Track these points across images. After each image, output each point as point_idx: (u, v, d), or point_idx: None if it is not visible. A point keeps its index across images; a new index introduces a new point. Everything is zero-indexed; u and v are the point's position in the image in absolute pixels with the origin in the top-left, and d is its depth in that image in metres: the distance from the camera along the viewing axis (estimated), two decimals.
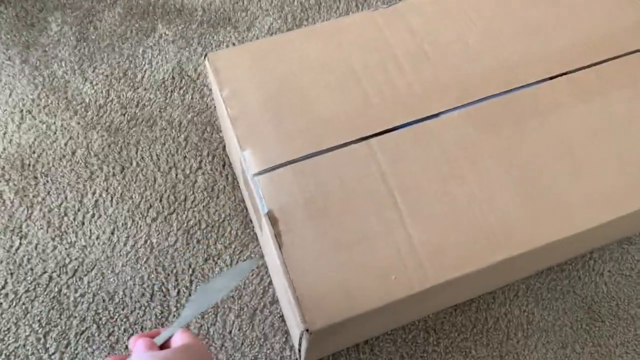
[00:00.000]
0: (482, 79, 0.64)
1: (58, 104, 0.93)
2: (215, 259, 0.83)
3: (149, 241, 0.84)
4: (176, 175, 0.89)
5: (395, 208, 0.57)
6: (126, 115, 0.93)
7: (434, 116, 0.62)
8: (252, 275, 0.82)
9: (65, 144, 0.90)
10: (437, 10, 0.69)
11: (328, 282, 0.54)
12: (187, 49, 1.00)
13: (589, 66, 0.66)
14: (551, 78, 0.65)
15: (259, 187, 0.58)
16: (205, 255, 0.83)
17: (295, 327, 0.57)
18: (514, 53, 0.66)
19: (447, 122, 0.62)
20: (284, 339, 0.79)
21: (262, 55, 0.66)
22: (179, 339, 0.48)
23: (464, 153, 0.60)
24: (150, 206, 0.86)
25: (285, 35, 0.68)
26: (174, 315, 0.80)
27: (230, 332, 0.79)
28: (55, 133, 0.91)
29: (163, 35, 1.01)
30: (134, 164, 0.89)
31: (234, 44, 1.01)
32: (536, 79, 0.64)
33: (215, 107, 0.95)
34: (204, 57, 0.66)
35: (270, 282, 0.82)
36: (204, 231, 0.85)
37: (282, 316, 0.80)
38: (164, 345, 0.49)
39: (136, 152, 0.90)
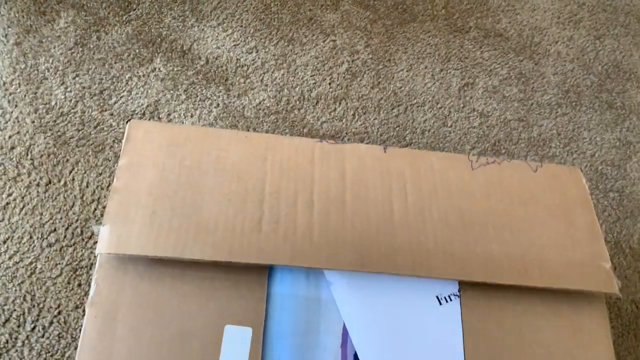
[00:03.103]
0: (383, 254, 0.58)
1: (25, 96, 0.93)
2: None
3: (33, 264, 0.80)
4: (94, 210, 0.85)
5: None
6: (81, 132, 0.91)
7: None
8: None
9: (10, 137, 0.89)
10: (376, 167, 0.64)
11: None
12: (171, 91, 0.98)
13: (501, 286, 0.59)
14: (463, 284, 0.58)
15: (96, 270, 0.53)
16: (78, 303, 0.78)
17: None
18: (431, 242, 0.60)
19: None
20: None
21: (182, 141, 0.62)
22: None
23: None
24: (54, 230, 0.83)
25: (219, 130, 0.64)
26: (17, 350, 0.74)
27: None
28: (7, 122, 0.90)
29: (156, 69, 1.00)
30: (62, 182, 0.86)
31: (218, 105, 0.98)
32: (441, 276, 0.58)
33: None
34: (126, 123, 0.63)
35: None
36: (90, 277, 0.80)
37: None
38: None
39: (70, 172, 0.87)
